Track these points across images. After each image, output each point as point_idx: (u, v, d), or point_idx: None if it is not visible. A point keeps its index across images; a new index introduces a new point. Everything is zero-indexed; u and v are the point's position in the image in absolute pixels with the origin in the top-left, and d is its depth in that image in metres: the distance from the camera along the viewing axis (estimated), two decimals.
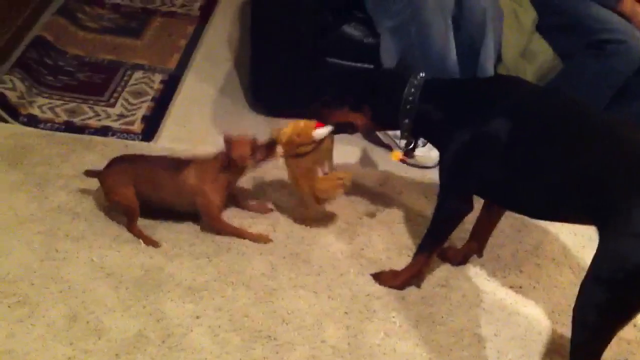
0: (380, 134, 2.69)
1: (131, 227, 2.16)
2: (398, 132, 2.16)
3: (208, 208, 2.16)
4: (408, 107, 1.99)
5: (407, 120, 2.01)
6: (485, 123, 1.84)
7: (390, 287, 2.11)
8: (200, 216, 2.20)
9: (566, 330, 2.02)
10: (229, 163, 2.13)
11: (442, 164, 2.00)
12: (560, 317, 2.09)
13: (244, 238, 2.20)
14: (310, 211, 2.27)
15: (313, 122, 2.11)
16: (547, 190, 1.79)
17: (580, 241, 2.35)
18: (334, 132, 2.13)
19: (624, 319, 1.65)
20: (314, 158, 2.14)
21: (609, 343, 1.68)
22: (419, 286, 2.13)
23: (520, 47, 2.65)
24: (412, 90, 1.98)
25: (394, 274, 2.13)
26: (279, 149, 2.16)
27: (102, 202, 2.25)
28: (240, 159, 2.13)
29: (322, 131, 2.10)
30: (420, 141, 2.59)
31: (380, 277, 2.13)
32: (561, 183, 1.75)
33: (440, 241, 2.08)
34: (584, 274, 1.70)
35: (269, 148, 2.16)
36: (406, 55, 2.50)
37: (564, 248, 2.34)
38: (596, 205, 1.68)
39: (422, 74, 2.03)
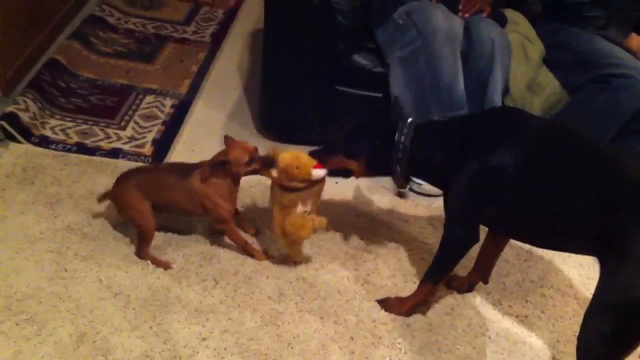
0: None
1: (142, 249, 2.16)
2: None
3: (216, 211, 2.16)
4: (400, 154, 2.01)
5: (398, 168, 2.03)
6: (490, 156, 1.85)
7: (396, 314, 2.11)
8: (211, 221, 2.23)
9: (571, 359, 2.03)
10: (223, 164, 2.11)
11: (447, 196, 2.01)
12: (565, 347, 2.10)
13: (246, 252, 2.23)
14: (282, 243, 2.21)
15: (313, 161, 2.10)
16: (551, 221, 1.81)
17: (586, 272, 2.36)
18: (329, 174, 2.13)
19: (628, 348, 1.66)
20: (300, 195, 2.12)
21: None
22: (424, 314, 2.14)
23: (527, 80, 2.68)
24: (402, 137, 2.00)
25: (400, 300, 2.13)
26: (273, 172, 2.14)
27: (112, 222, 2.27)
28: (235, 163, 2.11)
29: (320, 172, 2.09)
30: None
31: (386, 304, 2.14)
32: (564, 215, 1.77)
33: (447, 271, 2.08)
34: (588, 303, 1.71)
35: (266, 163, 2.13)
36: (415, 86, 2.53)
37: (569, 278, 2.35)
38: (600, 237, 1.69)
39: (410, 119, 2.04)
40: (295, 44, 2.63)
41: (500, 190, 1.84)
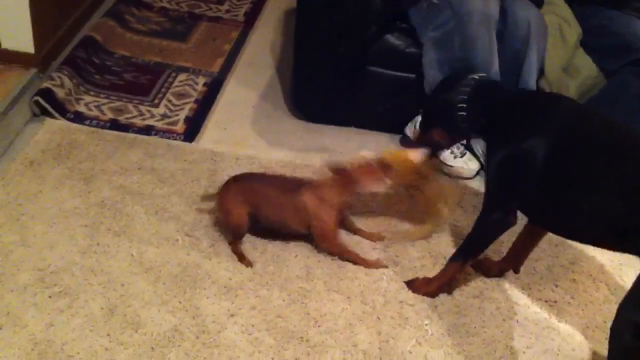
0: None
1: (233, 243, 2.18)
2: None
3: (324, 231, 2.16)
4: (462, 113, 2.01)
5: (465, 125, 2.04)
6: (524, 142, 1.83)
7: (422, 294, 2.11)
8: (314, 238, 2.20)
9: (600, 347, 2.02)
10: (351, 189, 2.14)
11: (488, 172, 1.99)
12: (594, 334, 2.08)
13: (358, 264, 2.19)
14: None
15: (406, 151, 2.15)
16: (585, 213, 1.78)
17: (617, 258, 2.33)
18: (430, 153, 2.17)
19: None
20: (421, 180, 2.25)
21: None
22: (450, 294, 2.14)
23: (563, 62, 2.64)
24: (462, 88, 2.01)
25: (427, 281, 2.13)
26: (388, 182, 2.15)
27: (144, 199, 2.30)
28: (364, 185, 2.13)
29: (417, 153, 2.12)
30: (458, 152, 2.60)
31: (413, 285, 2.14)
32: (601, 206, 1.74)
33: (478, 252, 2.07)
34: (620, 291, 1.70)
35: (386, 172, 2.12)
36: (448, 68, 2.51)
37: (600, 264, 2.32)
38: (630, 230, 1.67)
39: (474, 75, 2.05)
40: (328, 25, 2.61)
41: (532, 177, 1.83)
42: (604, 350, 1.74)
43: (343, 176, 2.13)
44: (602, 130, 1.83)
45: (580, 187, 1.77)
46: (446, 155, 2.64)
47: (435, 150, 2.23)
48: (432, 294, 2.11)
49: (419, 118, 2.62)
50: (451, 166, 2.63)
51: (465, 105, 2.01)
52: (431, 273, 2.17)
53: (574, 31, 2.67)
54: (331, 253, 2.20)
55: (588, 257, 2.34)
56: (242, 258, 2.14)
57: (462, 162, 2.61)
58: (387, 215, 2.41)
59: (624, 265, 2.31)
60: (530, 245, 2.20)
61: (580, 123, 1.85)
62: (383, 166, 2.11)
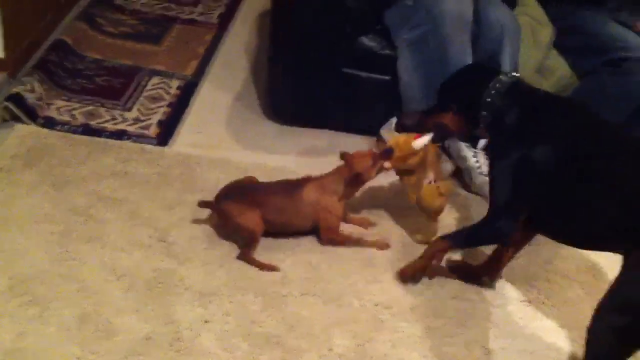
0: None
1: (247, 253, 2.15)
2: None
3: (330, 222, 2.21)
4: (489, 100, 1.96)
5: (485, 113, 1.98)
6: (534, 148, 1.84)
7: (405, 275, 2.15)
8: (319, 231, 2.24)
9: (575, 346, 2.03)
10: (354, 178, 2.19)
11: (496, 177, 1.96)
12: (569, 333, 2.09)
13: (363, 246, 2.25)
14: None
15: (411, 135, 2.17)
16: (583, 219, 1.79)
17: (592, 258, 2.35)
18: (433, 140, 2.17)
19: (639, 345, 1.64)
20: (421, 170, 2.21)
21: None
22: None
23: (536, 64, 2.65)
24: (498, 85, 1.96)
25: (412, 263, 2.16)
26: (386, 164, 2.20)
27: (117, 204, 2.27)
28: (366, 173, 2.19)
29: (421, 140, 2.15)
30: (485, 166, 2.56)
31: (402, 270, 2.17)
32: (597, 213, 1.76)
33: (467, 246, 2.15)
34: (594, 290, 1.70)
35: (387, 154, 2.19)
36: (423, 70, 2.51)
37: (575, 264, 2.33)
38: (628, 232, 1.67)
39: (514, 74, 2.04)
40: (302, 26, 2.60)
41: (537, 184, 1.84)
42: (579, 350, 1.75)
43: (344, 166, 2.19)
44: (610, 137, 1.84)
45: (587, 194, 1.77)
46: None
47: (440, 138, 2.24)
48: (412, 271, 2.14)
49: (394, 120, 2.62)
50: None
51: (493, 101, 1.96)
52: None
53: (547, 32, 2.68)
54: (335, 243, 2.23)
55: (562, 257, 2.35)
56: (263, 266, 2.13)
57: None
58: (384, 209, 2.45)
59: (598, 265, 2.32)
60: (510, 256, 2.19)
61: (589, 130, 1.86)
62: (382, 153, 2.18)
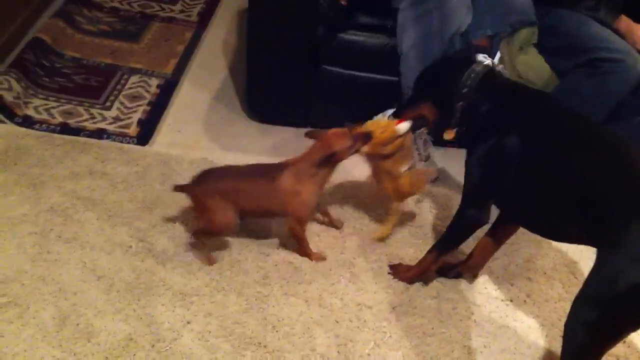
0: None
1: (200, 237, 2.12)
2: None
3: (302, 208, 2.11)
4: (464, 90, 1.97)
5: (461, 103, 1.99)
6: (507, 135, 1.85)
7: (400, 279, 2.17)
8: (289, 215, 2.14)
9: (555, 344, 2.04)
10: (330, 157, 2.08)
11: (467, 168, 1.99)
12: (550, 331, 2.10)
13: (305, 254, 2.21)
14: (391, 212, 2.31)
15: (392, 121, 2.15)
16: (555, 207, 1.80)
17: (571, 256, 2.36)
18: (412, 129, 2.16)
19: (614, 338, 1.65)
20: (397, 158, 2.19)
21: None
22: (428, 285, 2.17)
23: (511, 63, 2.67)
24: (473, 75, 1.98)
25: (407, 268, 2.19)
26: (364, 149, 2.14)
27: (96, 204, 2.25)
28: (343, 152, 2.09)
29: (404, 125, 2.13)
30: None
31: (396, 269, 2.20)
32: (562, 203, 1.76)
33: (453, 246, 2.12)
34: (574, 288, 1.71)
35: (367, 137, 2.11)
36: (423, 44, 2.50)
37: (554, 262, 2.35)
38: (596, 225, 1.68)
39: (487, 62, 2.03)
40: (278, 25, 2.59)
41: (509, 172, 1.85)
42: (559, 348, 1.75)
43: (319, 146, 2.09)
44: (577, 127, 1.85)
45: (553, 182, 1.79)
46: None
47: (418, 126, 2.22)
48: (409, 281, 2.17)
49: (389, 112, 2.61)
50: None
51: (468, 91, 1.97)
52: (386, 275, 2.19)
53: (525, 31, 2.69)
54: (293, 234, 2.17)
55: (542, 255, 2.37)
56: (203, 257, 2.11)
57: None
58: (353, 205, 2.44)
59: (577, 262, 2.34)
60: (492, 249, 2.20)
61: (557, 120, 1.87)
62: (362, 135, 2.11)
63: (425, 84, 2.15)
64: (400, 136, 2.14)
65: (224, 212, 2.06)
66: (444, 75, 2.07)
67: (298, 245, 2.19)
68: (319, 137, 2.12)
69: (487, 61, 2.04)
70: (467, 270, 2.24)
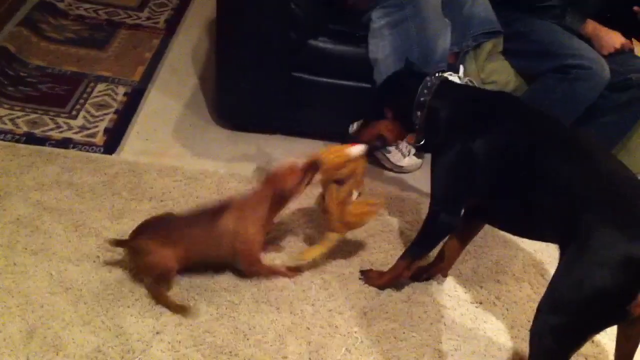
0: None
1: (156, 289, 2.00)
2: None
3: (249, 254, 2.06)
4: (422, 99, 2.00)
5: (419, 113, 2.01)
6: (475, 139, 1.87)
7: (372, 285, 2.17)
8: (238, 264, 2.10)
9: (525, 346, 2.04)
10: (281, 195, 2.04)
11: (434, 174, 2.00)
12: (519, 333, 2.12)
13: (281, 276, 2.16)
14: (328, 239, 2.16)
15: (345, 145, 2.08)
16: (524, 206, 1.82)
17: (539, 257, 2.39)
18: (368, 151, 2.10)
19: (581, 341, 1.67)
20: (349, 182, 2.08)
21: None
22: (399, 289, 2.18)
23: (479, 75, 2.70)
24: (429, 84, 2.01)
25: (379, 274, 2.18)
26: (317, 176, 2.08)
27: (63, 215, 2.22)
28: (294, 190, 2.04)
29: (357, 148, 2.06)
30: (406, 150, 2.63)
31: (367, 275, 2.20)
32: (537, 201, 1.78)
33: (426, 251, 2.13)
34: (542, 289, 1.72)
35: (314, 167, 2.04)
36: (401, 51, 2.51)
37: (523, 264, 2.37)
38: (561, 227, 1.70)
39: (439, 74, 2.07)
40: (248, 32, 2.58)
41: (478, 175, 1.87)
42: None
43: (268, 184, 2.05)
44: (545, 127, 1.88)
45: (523, 183, 1.80)
46: (397, 158, 2.71)
47: (376, 147, 2.23)
48: (382, 287, 2.17)
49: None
50: (402, 166, 2.72)
51: (425, 100, 2.00)
52: (359, 282, 2.19)
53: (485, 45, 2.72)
54: (250, 273, 2.12)
55: (511, 257, 2.39)
56: (176, 308, 1.99)
57: (410, 159, 2.71)
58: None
59: (545, 263, 2.37)
60: (460, 248, 2.23)
61: (525, 121, 1.90)
62: (311, 165, 2.04)
63: (383, 99, 2.15)
64: (352, 160, 2.06)
65: (162, 254, 1.96)
66: (403, 85, 2.09)
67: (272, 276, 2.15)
68: (267, 177, 2.06)
69: (453, 77, 2.06)
70: (437, 272, 2.25)
